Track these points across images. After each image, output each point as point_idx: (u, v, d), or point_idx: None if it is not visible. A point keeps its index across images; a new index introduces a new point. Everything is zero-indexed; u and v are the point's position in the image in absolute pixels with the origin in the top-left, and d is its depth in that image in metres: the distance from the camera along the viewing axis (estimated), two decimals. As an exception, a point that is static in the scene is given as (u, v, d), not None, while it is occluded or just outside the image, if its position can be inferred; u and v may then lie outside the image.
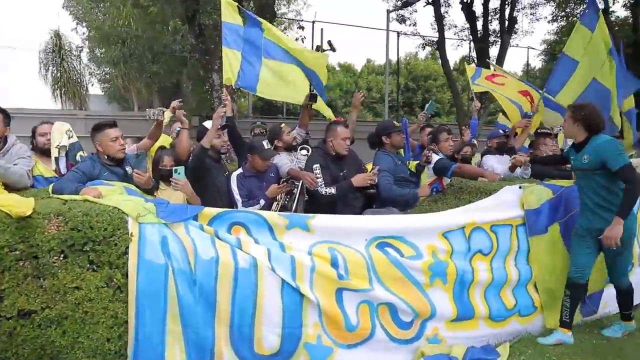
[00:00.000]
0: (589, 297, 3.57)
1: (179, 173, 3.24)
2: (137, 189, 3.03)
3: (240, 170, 3.75)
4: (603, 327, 3.50)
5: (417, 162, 4.18)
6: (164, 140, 4.31)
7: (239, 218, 2.82)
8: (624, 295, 3.41)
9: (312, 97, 4.41)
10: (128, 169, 3.22)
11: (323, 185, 3.57)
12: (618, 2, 15.71)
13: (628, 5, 14.59)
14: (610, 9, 13.65)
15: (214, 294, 2.53)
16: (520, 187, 3.46)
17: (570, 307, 3.26)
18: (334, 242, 2.90)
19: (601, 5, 13.90)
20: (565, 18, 14.33)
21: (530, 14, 14.46)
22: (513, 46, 14.02)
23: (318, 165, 3.63)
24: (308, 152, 3.88)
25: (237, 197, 3.60)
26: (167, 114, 3.70)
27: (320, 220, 2.90)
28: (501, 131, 5.09)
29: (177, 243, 2.51)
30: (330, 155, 3.72)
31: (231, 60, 4.36)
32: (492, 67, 7.13)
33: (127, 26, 9.11)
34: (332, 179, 3.68)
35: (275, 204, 3.62)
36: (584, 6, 5.06)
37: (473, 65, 7.77)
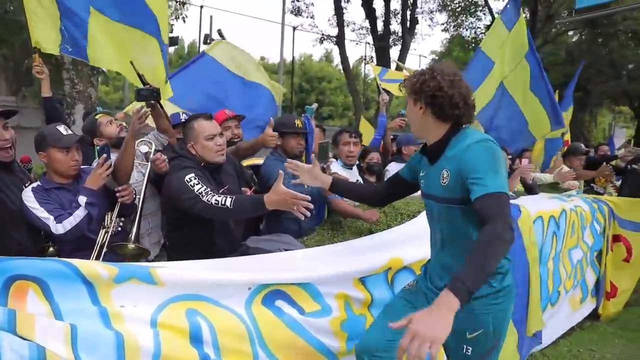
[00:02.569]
0: (535, 334, 3.08)
1: None
2: None
3: (37, 182, 2.39)
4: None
5: None
6: None
7: (26, 269, 1.59)
8: None
9: (142, 94, 2.72)
10: None
11: (210, 192, 2.22)
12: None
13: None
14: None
15: None
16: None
17: None
18: (196, 297, 1.83)
19: (487, 21, 14.79)
20: (456, 27, 14.84)
21: (429, 18, 14.74)
22: (410, 52, 14.09)
23: (192, 174, 2.29)
24: (151, 147, 2.61)
25: (44, 214, 2.23)
26: None
27: (173, 271, 1.80)
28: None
29: None
30: (200, 166, 2.46)
31: (41, 8, 2.95)
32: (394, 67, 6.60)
33: None
34: None
35: (103, 232, 2.36)
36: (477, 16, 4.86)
37: (377, 66, 7.24)
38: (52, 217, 2.25)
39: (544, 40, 15.09)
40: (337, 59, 29.70)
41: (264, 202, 2.10)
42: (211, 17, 13.81)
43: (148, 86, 2.86)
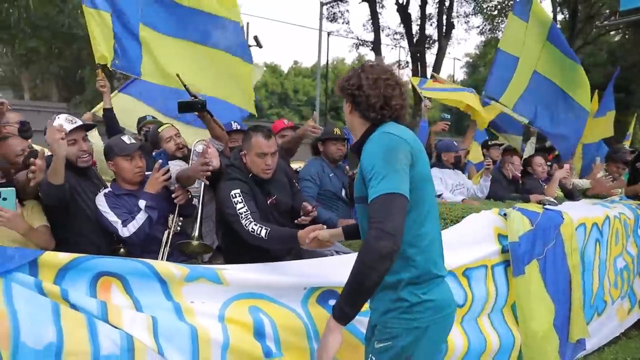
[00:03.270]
0: (579, 341, 3.09)
1: (4, 199, 2.00)
2: None
3: (107, 188, 2.60)
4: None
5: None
6: None
7: (110, 266, 1.79)
8: None
9: (186, 106, 2.85)
10: None
11: (250, 217, 2.28)
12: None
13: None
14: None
15: (50, 409, 1.49)
16: (504, 214, 2.78)
17: None
18: (258, 296, 1.98)
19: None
20: (492, 31, 14.68)
21: (465, 22, 14.64)
22: (446, 54, 14.02)
23: (238, 191, 2.36)
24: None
25: (114, 218, 2.42)
26: None
27: (237, 271, 1.97)
28: (455, 143, 4.50)
29: (-19, 323, 1.43)
30: (249, 176, 2.52)
31: (100, 27, 3.22)
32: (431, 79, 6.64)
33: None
34: (260, 211, 2.46)
35: (166, 232, 2.53)
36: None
37: (416, 77, 7.49)
38: (120, 221, 2.44)
39: (584, 41, 14.70)
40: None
41: (297, 238, 2.09)
42: (247, 23, 14.13)
43: (192, 98, 2.99)
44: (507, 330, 2.71)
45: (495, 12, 13.85)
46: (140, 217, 2.44)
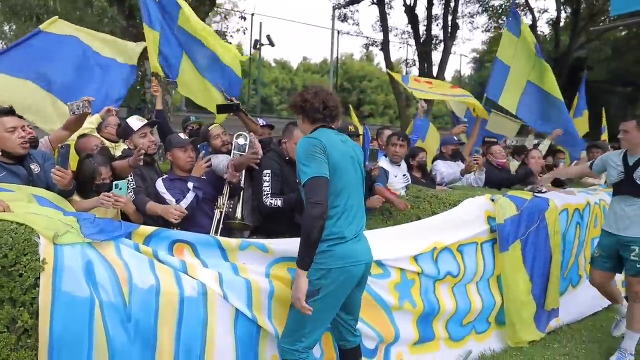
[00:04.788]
0: (552, 310, 3.55)
1: (120, 188, 2.57)
2: (48, 196, 2.42)
3: (166, 175, 3.19)
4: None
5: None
6: None
7: (182, 236, 2.35)
8: None
9: (225, 108, 3.78)
10: (34, 167, 2.58)
11: (269, 195, 3.08)
12: (542, 19, 16.91)
13: (551, 23, 15.60)
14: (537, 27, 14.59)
15: (154, 331, 2.05)
16: (492, 200, 3.30)
17: None
18: (294, 260, 2.51)
19: (528, 20, 15.01)
20: (497, 29, 15.06)
21: (470, 22, 15.04)
22: (451, 53, 14.45)
23: (270, 172, 3.12)
24: (246, 140, 3.31)
25: (169, 197, 2.96)
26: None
27: (279, 244, 2.50)
28: (455, 138, 5.02)
29: (107, 269, 1.99)
30: (285, 159, 3.25)
31: (153, 43, 3.85)
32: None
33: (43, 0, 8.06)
34: (287, 185, 3.20)
35: (217, 211, 3.10)
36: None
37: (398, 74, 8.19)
38: (174, 200, 2.97)
39: (588, 38, 15.00)
40: (377, 59, 30.17)
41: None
42: (261, 23, 14.67)
43: (229, 102, 3.69)
44: (490, 296, 3.26)
45: (501, 11, 14.27)
46: (190, 196, 2.97)
